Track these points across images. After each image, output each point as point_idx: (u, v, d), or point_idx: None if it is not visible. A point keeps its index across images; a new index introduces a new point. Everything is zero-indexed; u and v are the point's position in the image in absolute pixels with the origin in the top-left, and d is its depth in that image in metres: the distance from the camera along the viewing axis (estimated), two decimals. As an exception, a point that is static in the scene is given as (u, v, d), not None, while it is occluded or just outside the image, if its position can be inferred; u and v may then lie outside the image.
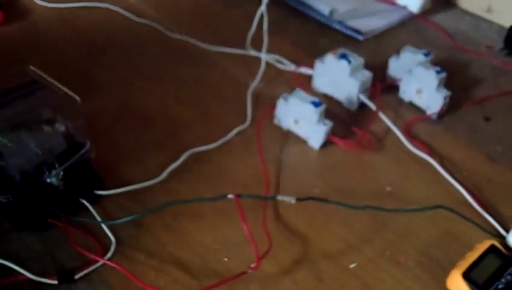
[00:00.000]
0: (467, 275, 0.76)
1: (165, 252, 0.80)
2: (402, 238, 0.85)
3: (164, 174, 0.91)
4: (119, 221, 0.82)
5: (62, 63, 1.14)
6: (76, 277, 0.76)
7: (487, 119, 1.10)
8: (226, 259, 0.80)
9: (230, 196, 0.83)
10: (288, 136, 1.01)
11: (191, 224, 0.85)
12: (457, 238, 0.85)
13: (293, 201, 0.85)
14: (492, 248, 0.79)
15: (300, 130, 1.00)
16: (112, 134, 0.99)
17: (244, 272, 0.77)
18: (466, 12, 1.43)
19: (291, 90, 1.00)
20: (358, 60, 1.07)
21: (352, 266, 0.81)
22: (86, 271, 0.77)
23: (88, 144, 0.84)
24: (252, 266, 0.77)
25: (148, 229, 0.83)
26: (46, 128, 0.80)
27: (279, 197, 0.86)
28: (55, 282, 0.75)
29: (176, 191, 0.89)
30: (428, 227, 0.87)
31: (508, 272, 0.77)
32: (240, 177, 0.93)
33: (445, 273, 0.78)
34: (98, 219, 0.83)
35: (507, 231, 0.85)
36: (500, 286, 0.75)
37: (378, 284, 0.79)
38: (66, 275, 0.76)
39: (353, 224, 0.86)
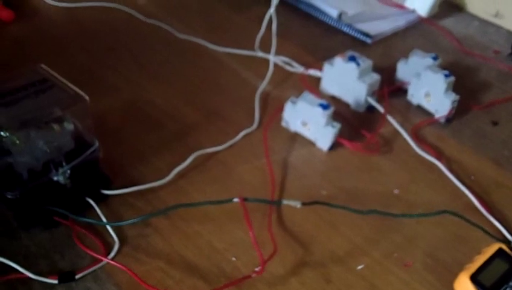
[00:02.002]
0: (474, 278, 0.76)
1: (173, 252, 0.80)
2: (410, 240, 0.85)
3: (171, 175, 0.91)
4: (122, 223, 0.82)
5: (71, 62, 1.15)
6: (78, 276, 0.76)
7: (495, 123, 1.09)
8: (233, 259, 0.80)
9: (236, 199, 0.83)
10: (296, 138, 1.01)
11: (198, 224, 0.85)
12: (465, 242, 0.85)
13: (299, 206, 0.84)
14: (500, 251, 0.79)
15: (309, 133, 1.00)
16: (121, 134, 0.99)
17: (248, 276, 0.77)
18: (474, 17, 1.44)
19: (299, 92, 1.00)
20: (366, 62, 1.07)
21: (359, 267, 0.81)
22: (87, 271, 0.77)
23: (96, 144, 0.84)
24: (256, 270, 0.77)
25: (156, 229, 0.83)
26: (55, 126, 0.79)
27: (285, 202, 0.86)
28: (55, 281, 0.75)
29: (183, 192, 0.89)
30: (436, 230, 0.87)
31: (516, 275, 0.77)
32: (247, 179, 0.93)
33: (453, 276, 0.78)
34: (103, 219, 0.83)
35: (514, 236, 0.85)
36: (508, 289, 0.75)
37: (386, 286, 0.79)
38: (66, 275, 0.76)
39: (361, 226, 0.86)
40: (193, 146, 0.96)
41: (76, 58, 1.17)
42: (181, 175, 0.92)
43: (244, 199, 0.82)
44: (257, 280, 0.77)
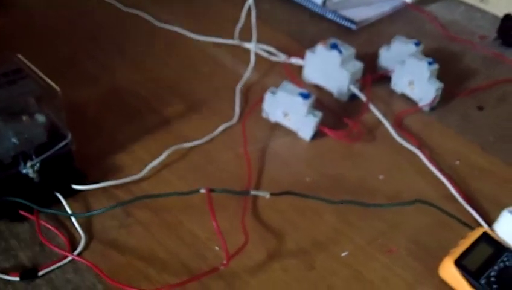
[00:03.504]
0: (459, 263, 0.75)
1: (155, 243, 0.79)
2: (393, 226, 0.84)
3: (149, 167, 0.89)
4: (87, 214, 0.81)
5: (51, 52, 1.13)
6: (40, 273, 0.74)
7: (480, 108, 1.08)
8: (216, 248, 0.79)
9: (202, 190, 0.80)
10: (277, 128, 1.00)
11: (181, 214, 0.83)
12: (450, 227, 0.84)
13: (268, 196, 0.83)
14: (484, 235, 0.78)
15: (290, 123, 0.98)
16: (99, 125, 0.97)
17: (216, 269, 0.75)
18: (460, 2, 1.43)
19: (281, 81, 0.99)
20: (349, 50, 1.05)
21: (343, 254, 0.80)
22: (51, 268, 0.74)
23: (69, 137, 0.81)
24: (223, 262, 0.75)
25: (135, 220, 0.82)
26: (25, 118, 0.78)
27: (253, 193, 0.85)
28: (17, 279, 0.73)
29: (163, 184, 0.88)
30: (420, 216, 0.85)
31: (500, 259, 0.75)
32: (227, 169, 0.91)
33: (438, 261, 0.77)
34: (69, 211, 0.81)
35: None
36: (492, 273, 0.74)
37: (370, 272, 0.78)
38: (28, 272, 0.73)
39: (344, 213, 0.85)
40: (173, 137, 0.95)
41: (57, 48, 1.15)
42: (160, 168, 0.90)
43: (211, 190, 0.80)
44: (239, 268, 0.76)
